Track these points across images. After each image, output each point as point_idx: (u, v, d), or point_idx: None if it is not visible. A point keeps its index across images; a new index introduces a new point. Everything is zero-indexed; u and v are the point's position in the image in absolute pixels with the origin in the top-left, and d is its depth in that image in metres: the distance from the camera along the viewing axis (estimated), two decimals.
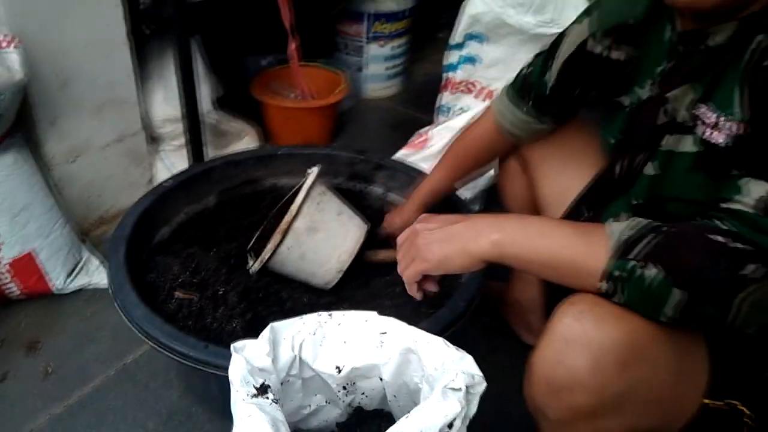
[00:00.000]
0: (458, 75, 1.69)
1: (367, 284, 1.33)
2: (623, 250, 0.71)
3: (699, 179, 0.80)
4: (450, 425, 0.67)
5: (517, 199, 1.27)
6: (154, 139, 1.78)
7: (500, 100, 1.15)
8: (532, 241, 0.80)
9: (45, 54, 1.39)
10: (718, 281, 0.65)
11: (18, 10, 1.32)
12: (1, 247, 1.36)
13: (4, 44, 1.27)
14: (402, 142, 1.90)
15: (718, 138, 0.76)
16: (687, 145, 0.81)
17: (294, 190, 1.35)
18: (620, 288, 0.71)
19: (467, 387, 0.72)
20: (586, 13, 1.00)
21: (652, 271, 0.68)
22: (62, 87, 1.46)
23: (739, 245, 0.65)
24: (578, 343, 0.72)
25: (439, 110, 1.83)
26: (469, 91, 1.71)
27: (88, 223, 1.65)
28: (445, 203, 1.32)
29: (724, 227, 0.67)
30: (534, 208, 1.24)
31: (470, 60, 1.65)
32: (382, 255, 1.33)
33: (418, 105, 2.44)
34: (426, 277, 0.94)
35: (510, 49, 1.57)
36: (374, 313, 0.88)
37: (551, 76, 1.04)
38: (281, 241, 1.20)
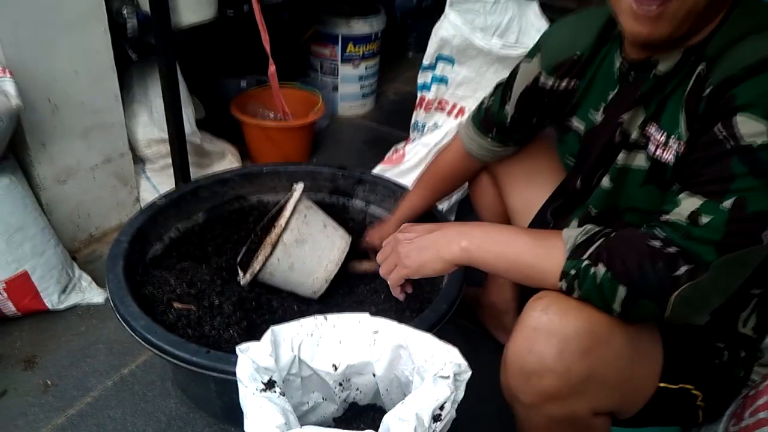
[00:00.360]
0: (431, 94, 1.79)
1: (352, 292, 1.42)
2: (575, 252, 0.82)
3: (651, 192, 0.90)
4: (441, 407, 0.76)
5: (488, 210, 1.37)
6: (139, 160, 1.84)
7: (467, 130, 1.26)
8: (497, 247, 0.91)
9: (37, 81, 1.45)
10: (656, 280, 0.75)
11: (11, 40, 1.38)
12: None
13: (0, 73, 1.33)
14: (377, 157, 2.00)
15: (666, 156, 0.86)
16: (639, 161, 0.91)
17: (278, 205, 1.43)
18: (576, 285, 0.81)
19: (455, 374, 0.81)
20: (536, 49, 1.10)
21: (600, 269, 0.78)
22: (53, 112, 1.52)
23: (672, 250, 0.75)
24: (545, 332, 0.82)
25: (413, 127, 1.93)
26: (442, 109, 1.82)
27: (78, 242, 1.69)
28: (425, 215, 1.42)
29: (662, 235, 0.77)
30: (503, 217, 1.34)
31: (442, 80, 1.75)
32: (366, 266, 1.41)
33: (391, 122, 2.55)
34: (405, 281, 1.04)
35: (478, 70, 1.68)
36: (366, 315, 0.96)
37: (510, 108, 1.15)
38: (271, 253, 1.28)
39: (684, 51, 0.85)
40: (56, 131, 1.54)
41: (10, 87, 1.32)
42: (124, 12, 1.55)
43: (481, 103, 1.22)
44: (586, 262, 0.80)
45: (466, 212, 1.84)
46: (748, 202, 0.74)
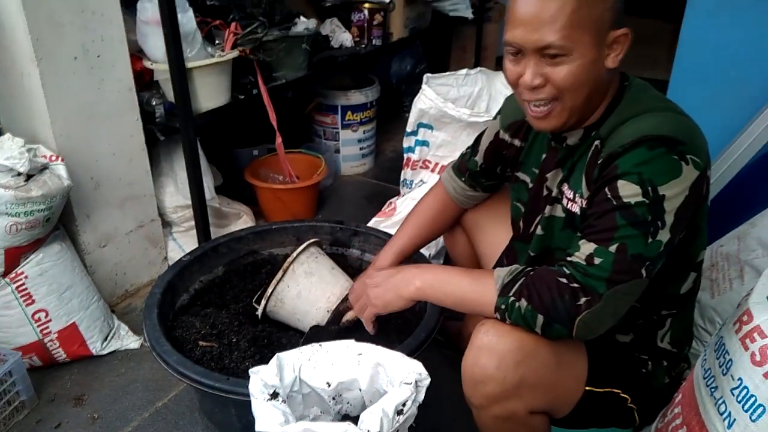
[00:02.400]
0: (415, 155, 2.07)
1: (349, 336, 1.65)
2: (503, 290, 1.05)
3: (569, 235, 1.15)
4: (404, 404, 0.99)
5: (461, 255, 1.62)
6: (166, 224, 2.13)
7: (447, 173, 1.51)
8: (445, 287, 1.15)
9: (82, 164, 1.75)
10: (564, 309, 0.99)
11: (62, 132, 1.68)
12: (49, 324, 1.67)
13: (53, 158, 1.62)
14: (376, 210, 2.26)
15: (574, 208, 1.12)
16: (558, 212, 1.17)
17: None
18: (506, 315, 1.05)
19: (416, 381, 1.04)
20: (498, 111, 1.39)
21: (523, 303, 1.02)
22: (95, 188, 1.81)
23: (575, 285, 0.99)
24: (487, 350, 1.06)
25: (403, 183, 2.20)
26: (426, 167, 2.09)
27: (115, 297, 1.96)
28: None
29: (567, 272, 1.01)
30: (475, 260, 1.58)
31: (423, 143, 2.03)
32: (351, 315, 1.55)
33: (389, 178, 2.83)
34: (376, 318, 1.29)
35: (454, 134, 1.96)
36: (352, 341, 1.20)
37: (479, 158, 1.41)
38: (281, 278, 1.53)
39: (585, 129, 1.12)
40: (98, 204, 1.83)
41: (62, 171, 1.62)
42: (153, 102, 1.86)
43: (460, 154, 1.49)
44: (512, 299, 1.04)
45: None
46: (628, 247, 0.98)
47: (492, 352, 1.05)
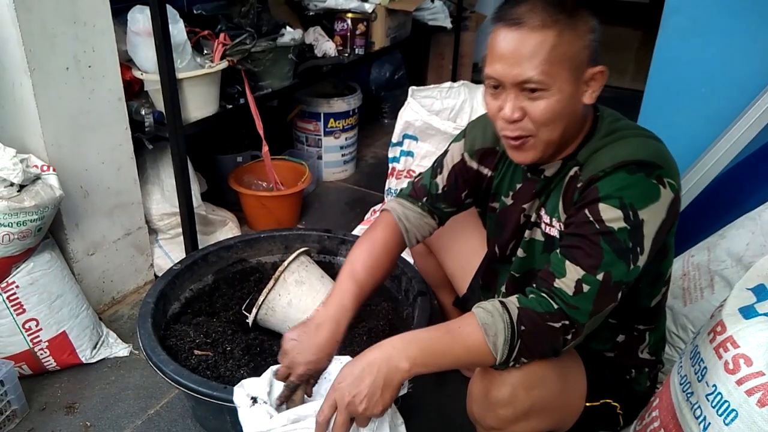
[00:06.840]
0: (400, 165, 2.12)
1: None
2: (504, 361, 1.05)
3: (548, 257, 1.17)
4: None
5: (430, 275, 1.66)
6: (152, 231, 2.14)
7: (396, 204, 1.34)
8: (437, 359, 1.04)
9: (72, 173, 1.76)
10: (553, 349, 1.05)
11: (53, 142, 1.69)
12: (39, 333, 1.68)
13: (45, 168, 1.63)
14: (358, 217, 2.31)
15: (552, 232, 1.17)
16: (538, 235, 1.22)
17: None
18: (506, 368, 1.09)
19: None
20: (462, 134, 1.35)
21: (524, 361, 1.07)
22: (84, 197, 1.82)
23: (562, 323, 1.02)
24: (499, 379, 1.09)
25: (387, 192, 2.25)
26: (410, 177, 2.14)
27: (103, 305, 1.97)
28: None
29: (555, 307, 1.02)
30: (446, 279, 1.63)
31: (408, 153, 2.09)
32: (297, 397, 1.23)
33: (370, 184, 2.88)
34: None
35: (438, 145, 2.02)
36: (348, 357, 1.25)
37: (441, 181, 1.33)
38: (273, 287, 1.57)
39: (562, 160, 1.16)
40: (87, 212, 1.84)
41: (53, 180, 1.63)
42: (142, 111, 1.88)
43: (410, 182, 1.39)
44: (512, 363, 1.06)
45: None
46: (612, 276, 1.02)
47: (504, 382, 1.09)
